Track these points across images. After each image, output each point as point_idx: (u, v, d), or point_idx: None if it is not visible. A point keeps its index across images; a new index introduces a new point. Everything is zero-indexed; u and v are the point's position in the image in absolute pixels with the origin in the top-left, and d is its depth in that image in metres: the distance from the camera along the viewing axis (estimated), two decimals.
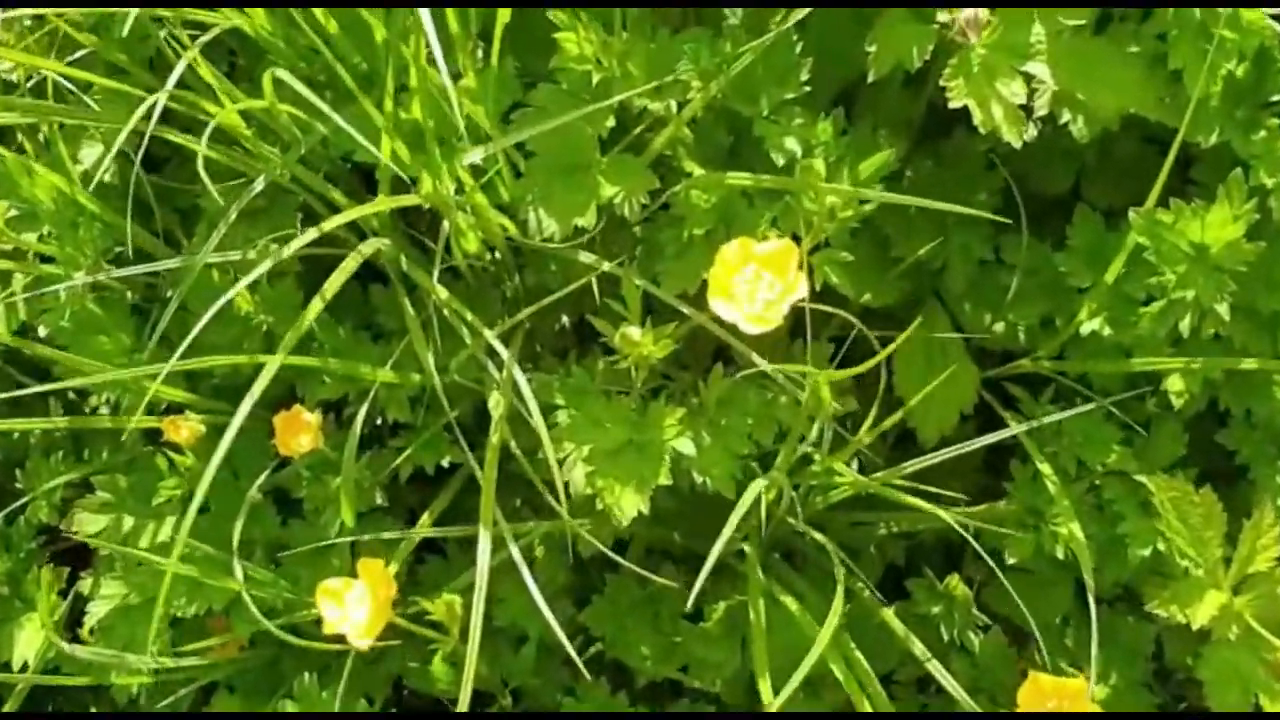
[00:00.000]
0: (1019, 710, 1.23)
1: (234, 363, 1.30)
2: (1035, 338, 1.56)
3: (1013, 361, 1.58)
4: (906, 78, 1.51)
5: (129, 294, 1.58)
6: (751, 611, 1.34)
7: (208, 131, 1.23)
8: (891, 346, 1.15)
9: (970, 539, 1.39)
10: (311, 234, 1.25)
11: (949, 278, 1.57)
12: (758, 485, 1.23)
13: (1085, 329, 1.45)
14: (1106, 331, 1.45)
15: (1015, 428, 1.43)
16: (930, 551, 1.73)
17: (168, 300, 1.38)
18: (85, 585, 1.56)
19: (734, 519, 1.21)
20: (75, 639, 1.53)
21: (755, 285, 1.12)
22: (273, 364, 1.23)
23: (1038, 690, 1.19)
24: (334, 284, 1.24)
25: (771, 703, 1.27)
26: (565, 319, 1.56)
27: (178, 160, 1.64)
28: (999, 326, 1.58)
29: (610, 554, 1.32)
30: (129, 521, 1.55)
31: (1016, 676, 1.60)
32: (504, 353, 1.30)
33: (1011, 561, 1.47)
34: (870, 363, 1.16)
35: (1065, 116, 1.41)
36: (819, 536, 1.38)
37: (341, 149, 1.41)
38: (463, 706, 1.25)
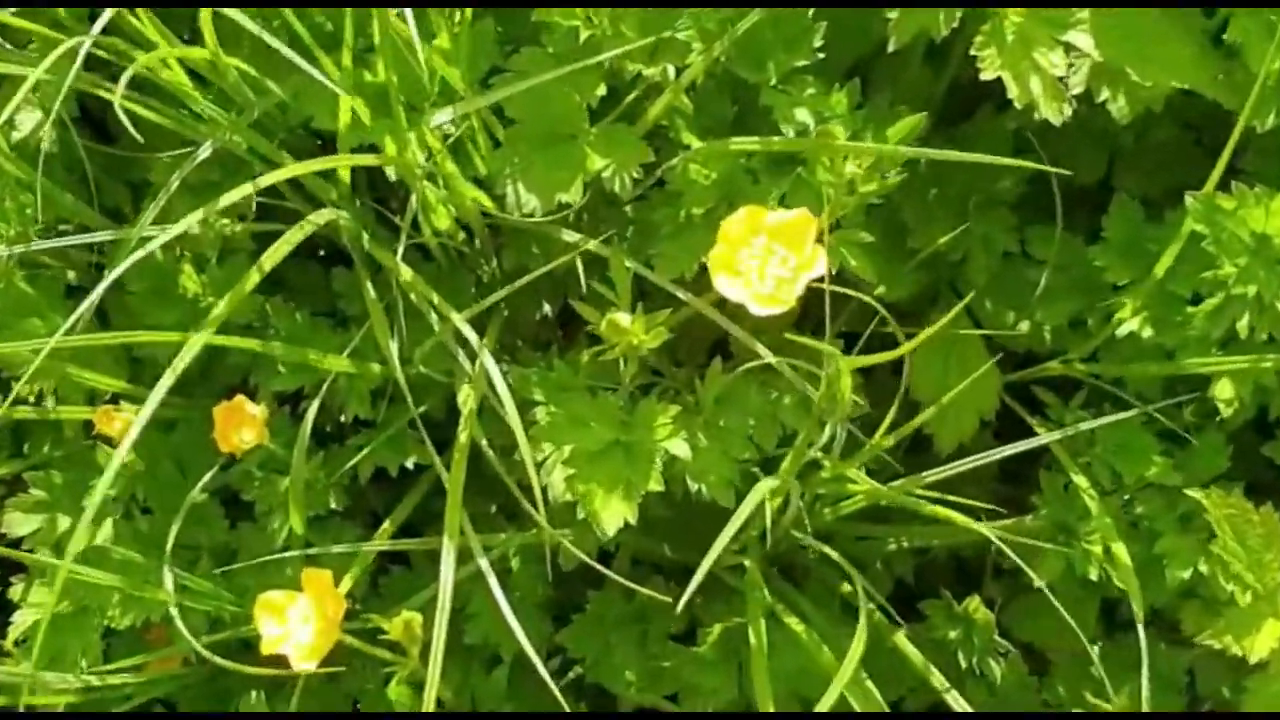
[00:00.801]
0: None
1: (157, 340, 1.15)
2: (1062, 339, 1.43)
3: (1034, 364, 1.45)
4: (928, 51, 1.38)
5: (69, 274, 1.44)
6: (752, 633, 1.20)
7: (126, 76, 1.08)
8: (918, 340, 1.01)
9: (1007, 552, 1.24)
10: (246, 188, 1.11)
11: (970, 271, 1.43)
12: (763, 488, 1.09)
13: (1123, 330, 1.32)
14: (1147, 333, 1.31)
15: (1045, 435, 1.29)
16: (942, 570, 1.60)
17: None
18: (17, 591, 1.42)
19: (732, 527, 1.06)
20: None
21: (766, 260, 0.98)
22: (195, 342, 1.09)
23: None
24: (276, 253, 1.10)
25: None
26: (548, 308, 1.42)
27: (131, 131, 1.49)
28: (1023, 326, 1.44)
29: (595, 565, 1.17)
30: (64, 522, 1.41)
31: (1038, 707, 1.47)
32: (474, 339, 1.16)
33: (1043, 582, 1.33)
34: (894, 354, 1.02)
35: (1104, 94, 1.27)
36: (831, 553, 1.23)
37: (301, 114, 1.27)
38: None
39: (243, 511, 1.41)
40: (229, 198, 1.12)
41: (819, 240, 0.97)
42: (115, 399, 1.36)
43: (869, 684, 1.22)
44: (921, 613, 1.43)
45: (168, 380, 1.07)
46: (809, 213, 0.98)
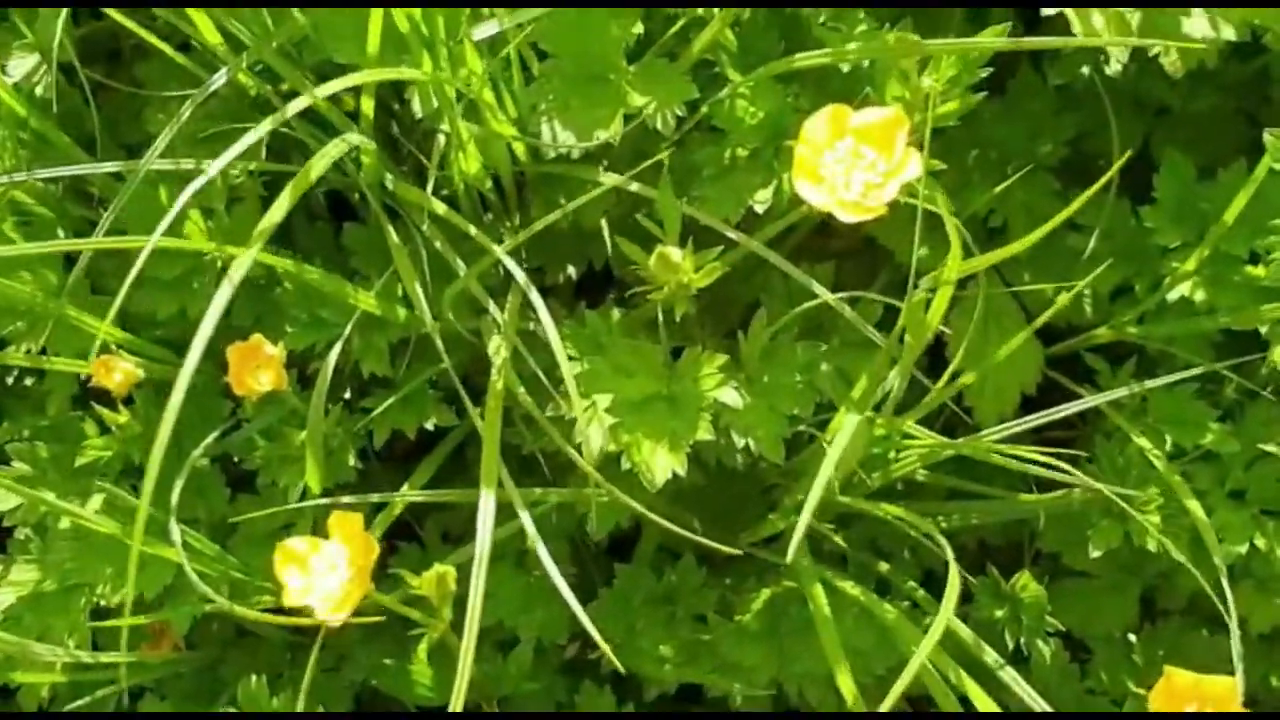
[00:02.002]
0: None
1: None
2: (1104, 309, 1.38)
3: (1073, 336, 1.40)
4: (970, 13, 1.33)
5: (60, 232, 1.35)
6: (809, 600, 1.11)
7: None
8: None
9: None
10: (267, 125, 1.02)
11: (1011, 239, 1.37)
12: (852, 421, 1.00)
13: (1174, 294, 1.27)
14: (1200, 296, 1.26)
15: (1097, 397, 1.23)
16: (972, 558, 1.53)
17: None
18: None
19: (830, 462, 0.97)
20: None
21: (852, 164, 0.91)
22: (241, 260, 0.98)
23: (1172, 692, 0.98)
24: (317, 167, 1.01)
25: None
26: (572, 270, 1.34)
27: (125, 92, 1.41)
28: (1061, 296, 1.39)
29: (634, 532, 1.10)
30: (49, 497, 1.30)
31: (1080, 694, 1.40)
32: (518, 272, 1.08)
33: (1095, 554, 1.26)
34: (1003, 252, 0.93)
35: (1156, 48, 1.22)
36: (898, 510, 1.16)
37: (320, 52, 1.19)
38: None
39: (241, 485, 1.32)
40: (254, 135, 1.03)
41: (911, 141, 0.90)
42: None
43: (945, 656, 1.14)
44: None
45: (220, 304, 0.96)
46: (900, 111, 0.91)
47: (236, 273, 0.97)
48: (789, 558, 0.92)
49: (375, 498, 1.17)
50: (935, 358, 1.29)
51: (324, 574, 1.00)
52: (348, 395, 1.37)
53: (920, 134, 1.01)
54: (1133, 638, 1.43)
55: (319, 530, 1.26)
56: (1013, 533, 1.49)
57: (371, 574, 1.19)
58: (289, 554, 1.02)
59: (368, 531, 1.07)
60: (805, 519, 0.92)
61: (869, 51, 1.05)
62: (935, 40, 0.99)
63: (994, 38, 0.99)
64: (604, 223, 1.31)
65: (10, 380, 1.44)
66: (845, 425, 0.99)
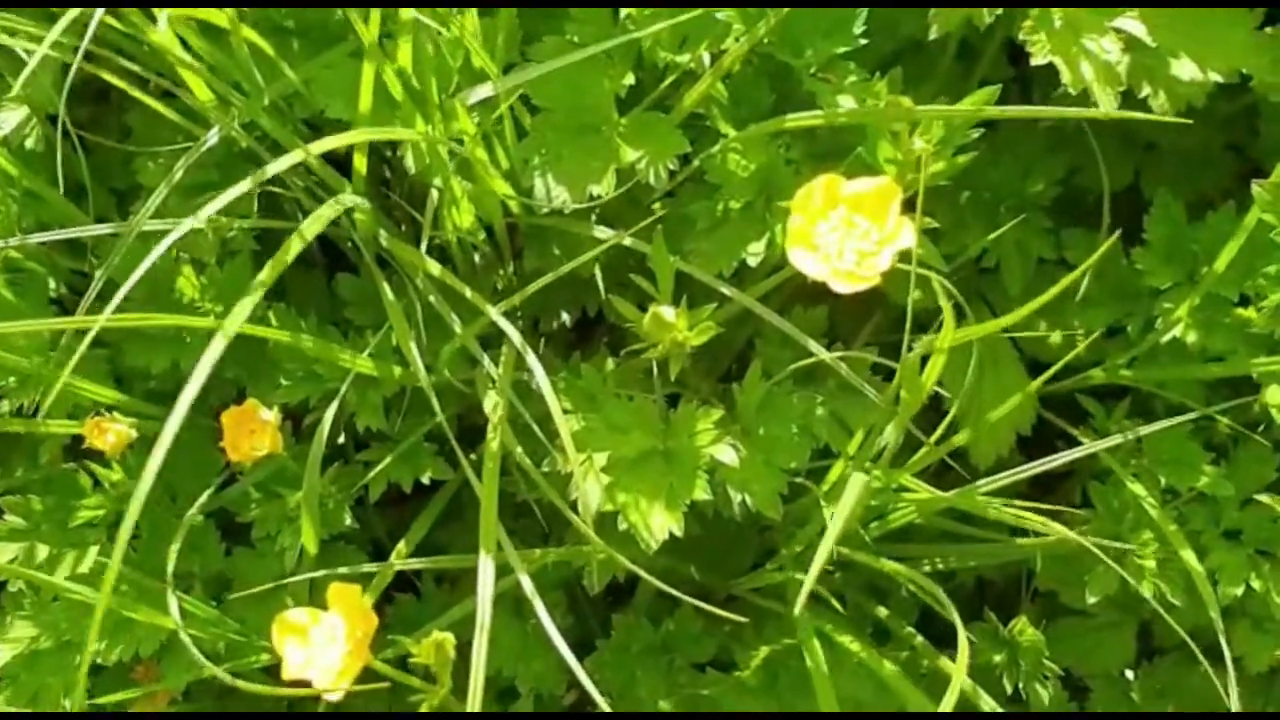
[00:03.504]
0: None
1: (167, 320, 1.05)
2: (1095, 347, 1.38)
3: (1068, 374, 1.39)
4: (959, 51, 1.34)
5: (51, 282, 1.35)
6: (807, 656, 1.11)
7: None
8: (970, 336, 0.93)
9: None
10: (263, 174, 1.01)
11: (1004, 278, 1.37)
12: (859, 480, 1.00)
13: (1167, 336, 1.27)
14: (1191, 338, 1.26)
15: (1094, 444, 1.23)
16: (969, 593, 1.53)
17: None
18: None
19: (837, 523, 0.97)
20: None
21: (846, 234, 0.91)
22: (231, 324, 0.97)
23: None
24: (310, 229, 1.00)
25: None
26: (566, 316, 1.34)
27: (116, 139, 1.41)
28: (1054, 335, 1.39)
29: (632, 579, 1.09)
30: (44, 550, 1.30)
31: None
32: (512, 332, 1.08)
33: (1092, 599, 1.26)
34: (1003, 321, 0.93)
35: (1145, 90, 1.22)
36: (896, 567, 1.16)
37: (311, 106, 1.19)
38: None
39: (237, 537, 1.32)
40: (244, 185, 1.02)
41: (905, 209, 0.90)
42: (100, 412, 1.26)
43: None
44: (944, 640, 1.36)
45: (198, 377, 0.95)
46: (892, 181, 0.91)
47: (203, 365, 0.95)
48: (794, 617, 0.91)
49: (370, 567, 1.17)
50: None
51: (323, 647, 0.99)
52: (341, 440, 1.37)
53: (913, 191, 1.01)
54: (1131, 675, 1.44)
55: (316, 583, 1.26)
56: (1010, 570, 1.49)
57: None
58: (288, 626, 1.01)
59: (364, 594, 1.06)
60: (809, 586, 0.92)
61: (859, 115, 1.05)
62: (925, 107, 0.99)
63: (982, 104, 0.99)
64: (597, 268, 1.31)
65: None
66: (847, 491, 0.99)
